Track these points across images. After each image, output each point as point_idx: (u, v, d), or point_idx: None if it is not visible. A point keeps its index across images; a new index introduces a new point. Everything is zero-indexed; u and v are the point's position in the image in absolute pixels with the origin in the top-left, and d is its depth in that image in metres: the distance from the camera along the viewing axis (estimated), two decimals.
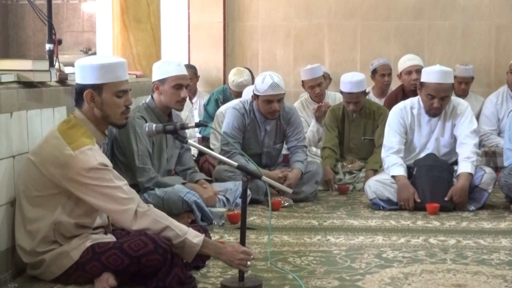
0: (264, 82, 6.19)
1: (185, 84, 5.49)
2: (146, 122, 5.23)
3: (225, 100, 7.88)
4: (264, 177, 3.91)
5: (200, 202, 5.25)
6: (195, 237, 3.82)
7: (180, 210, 5.23)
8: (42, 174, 3.79)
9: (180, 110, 5.64)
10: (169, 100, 5.44)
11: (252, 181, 5.70)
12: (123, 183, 3.79)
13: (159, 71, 5.49)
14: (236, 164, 3.98)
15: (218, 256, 3.87)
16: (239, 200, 5.75)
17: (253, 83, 7.94)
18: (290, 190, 4.09)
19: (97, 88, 3.86)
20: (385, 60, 8.31)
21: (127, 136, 5.37)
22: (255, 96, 6.27)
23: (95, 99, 3.87)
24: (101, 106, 3.88)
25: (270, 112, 6.27)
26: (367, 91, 7.12)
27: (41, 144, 3.90)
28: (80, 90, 3.90)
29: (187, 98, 8.36)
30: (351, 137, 7.13)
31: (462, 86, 7.92)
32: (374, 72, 8.24)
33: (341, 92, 7.07)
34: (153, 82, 5.50)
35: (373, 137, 7.03)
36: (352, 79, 6.93)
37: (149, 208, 3.79)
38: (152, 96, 5.53)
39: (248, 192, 5.86)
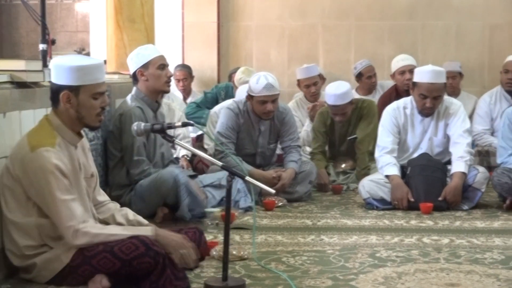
0: (258, 82, 6.18)
1: (167, 64, 5.55)
2: (142, 111, 5.35)
3: (227, 97, 7.90)
4: (247, 178, 3.91)
5: (191, 187, 5.24)
6: (145, 231, 3.84)
7: (170, 190, 5.24)
8: (13, 178, 3.78)
9: (168, 91, 5.68)
10: (156, 83, 5.48)
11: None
12: (70, 197, 3.73)
13: (138, 58, 5.53)
14: (220, 163, 3.98)
15: (165, 247, 3.85)
16: (234, 196, 5.76)
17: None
18: (272, 191, 4.07)
19: (74, 89, 3.82)
20: (367, 62, 8.34)
21: (125, 128, 5.39)
22: (250, 97, 6.27)
23: (71, 101, 3.83)
24: (77, 108, 3.84)
25: (264, 113, 6.27)
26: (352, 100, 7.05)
27: (13, 147, 3.89)
28: (56, 90, 3.86)
29: (182, 98, 8.47)
30: (342, 140, 7.11)
31: (449, 81, 7.82)
32: (359, 75, 8.28)
33: (327, 104, 6.98)
34: (135, 70, 5.52)
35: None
36: (336, 92, 6.80)
37: (86, 225, 3.75)
38: (136, 87, 5.55)
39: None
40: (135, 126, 4.13)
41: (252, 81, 6.26)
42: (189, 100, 8.71)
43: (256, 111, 6.30)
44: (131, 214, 4.18)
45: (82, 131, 4.03)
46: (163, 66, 5.50)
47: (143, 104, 5.47)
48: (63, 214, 3.70)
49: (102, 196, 4.23)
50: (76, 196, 3.80)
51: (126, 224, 4.08)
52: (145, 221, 4.17)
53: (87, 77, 3.83)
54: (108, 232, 3.80)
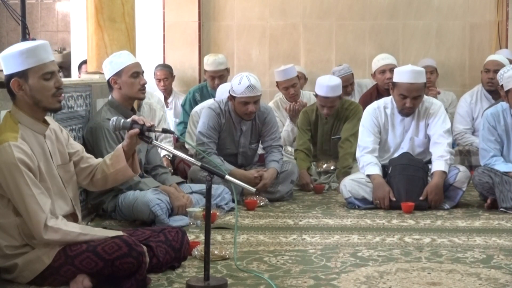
0: (241, 83, 6.17)
1: (140, 71, 5.52)
2: None
3: (203, 98, 7.89)
4: (227, 177, 3.90)
5: (163, 219, 5.22)
6: (116, 233, 3.86)
7: (147, 219, 5.23)
8: None
9: (143, 98, 5.66)
10: (130, 91, 5.45)
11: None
12: (37, 191, 3.70)
13: (111, 66, 5.51)
14: (199, 163, 3.97)
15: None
16: (218, 201, 5.77)
17: (228, 71, 8.07)
18: (253, 190, 4.06)
19: (22, 75, 3.76)
20: (347, 69, 8.23)
21: (96, 141, 5.38)
22: (231, 97, 6.26)
23: (22, 87, 3.77)
24: (30, 93, 3.78)
25: (246, 114, 6.26)
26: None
27: None
28: (7, 81, 3.80)
29: (162, 98, 8.44)
30: (325, 139, 7.11)
31: (428, 75, 7.69)
32: None
33: (316, 95, 7.02)
34: (109, 78, 5.51)
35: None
36: (329, 83, 6.85)
37: (58, 222, 3.74)
38: (111, 95, 5.54)
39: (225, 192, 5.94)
40: (114, 120, 4.09)
41: (234, 82, 6.24)
42: (170, 99, 8.69)
43: (238, 111, 6.29)
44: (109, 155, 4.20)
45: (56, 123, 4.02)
46: (137, 73, 5.46)
47: (116, 114, 5.43)
48: (31, 209, 3.67)
49: (92, 160, 4.20)
50: (44, 190, 3.74)
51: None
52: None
53: (31, 59, 3.77)
54: (79, 231, 3.77)
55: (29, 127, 3.82)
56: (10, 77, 3.79)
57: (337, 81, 6.94)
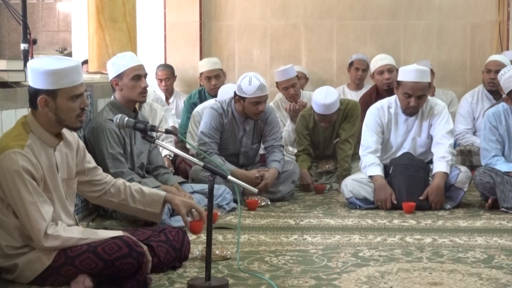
0: (251, 84, 6.15)
1: (142, 74, 5.49)
2: None
3: (202, 101, 7.89)
4: (229, 177, 3.90)
5: (164, 219, 5.19)
6: (116, 233, 3.86)
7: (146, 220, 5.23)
8: None
9: (143, 101, 5.65)
10: (130, 93, 5.44)
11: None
12: (39, 199, 3.69)
13: (114, 68, 5.50)
14: (202, 164, 3.97)
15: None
16: (219, 201, 5.77)
17: (224, 74, 8.27)
18: (255, 190, 4.06)
19: (51, 93, 3.74)
20: (363, 56, 8.46)
21: (98, 142, 5.37)
22: (240, 98, 6.23)
23: (49, 104, 3.75)
24: (55, 111, 3.76)
25: (256, 113, 6.26)
26: (340, 94, 7.03)
27: None
28: (33, 94, 3.77)
29: (164, 98, 8.44)
30: (327, 144, 7.07)
31: None
32: (350, 64, 8.38)
33: (313, 111, 6.87)
34: (111, 80, 5.51)
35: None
36: (325, 102, 6.67)
37: (57, 229, 3.72)
38: (114, 96, 5.54)
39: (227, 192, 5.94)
40: (118, 118, 4.10)
41: (243, 82, 6.21)
42: (171, 100, 8.70)
43: (248, 112, 6.27)
44: (139, 189, 4.23)
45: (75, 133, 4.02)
46: (138, 76, 5.44)
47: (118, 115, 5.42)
48: (32, 217, 3.66)
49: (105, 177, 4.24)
50: (46, 198, 3.74)
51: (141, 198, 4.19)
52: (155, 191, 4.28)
53: (63, 80, 3.74)
54: (79, 236, 3.77)
55: (41, 138, 3.80)
56: (38, 91, 3.75)
57: (333, 98, 6.71)
